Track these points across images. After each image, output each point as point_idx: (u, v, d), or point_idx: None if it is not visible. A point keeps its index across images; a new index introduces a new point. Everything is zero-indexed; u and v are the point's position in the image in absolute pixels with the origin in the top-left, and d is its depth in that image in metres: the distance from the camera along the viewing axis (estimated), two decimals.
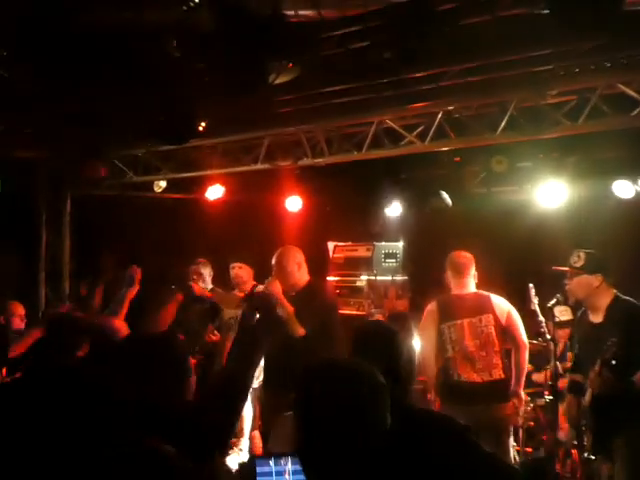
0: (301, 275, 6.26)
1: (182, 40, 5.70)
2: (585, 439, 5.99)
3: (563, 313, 7.03)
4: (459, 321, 5.90)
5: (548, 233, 8.22)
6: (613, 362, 4.88)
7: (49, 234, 9.42)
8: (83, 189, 9.39)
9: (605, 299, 5.22)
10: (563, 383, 6.19)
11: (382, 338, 3.23)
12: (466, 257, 6.12)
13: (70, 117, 7.23)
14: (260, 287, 7.41)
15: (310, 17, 5.40)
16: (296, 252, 6.31)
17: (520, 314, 7.96)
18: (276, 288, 5.95)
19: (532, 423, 7.45)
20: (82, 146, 8.32)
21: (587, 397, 5.26)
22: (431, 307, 6.04)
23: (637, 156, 7.18)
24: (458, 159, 8.55)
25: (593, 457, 5.63)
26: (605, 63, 5.51)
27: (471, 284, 6.06)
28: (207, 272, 8.08)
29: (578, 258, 5.27)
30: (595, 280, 5.20)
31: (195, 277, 8.01)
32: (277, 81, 5.52)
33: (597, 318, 5.25)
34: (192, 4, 5.12)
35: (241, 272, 7.43)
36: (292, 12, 5.39)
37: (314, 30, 5.39)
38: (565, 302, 6.45)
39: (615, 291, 5.25)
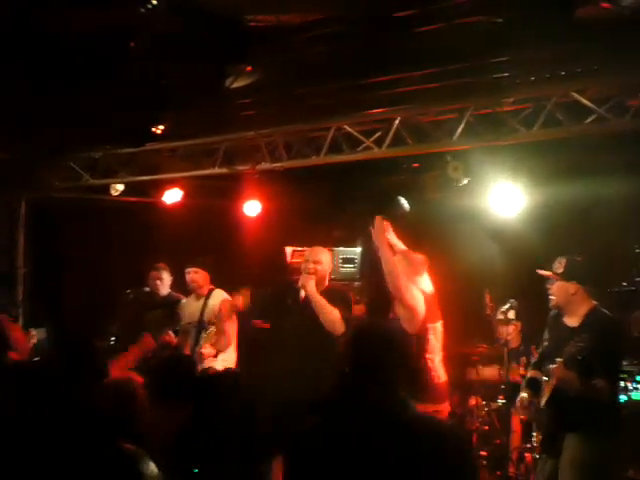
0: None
1: (141, 42, 5.68)
2: (534, 439, 6.06)
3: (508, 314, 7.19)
4: (435, 324, 5.91)
5: (504, 239, 8.32)
6: (579, 357, 4.99)
7: (3, 237, 9.29)
8: (38, 192, 9.27)
9: (583, 307, 5.32)
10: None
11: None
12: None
13: (25, 118, 7.14)
14: (218, 291, 7.41)
15: (270, 22, 5.41)
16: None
17: (476, 318, 8.07)
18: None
19: (487, 427, 7.53)
20: (37, 147, 8.21)
21: (543, 399, 5.34)
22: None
23: (591, 163, 7.30)
24: (417, 165, 8.61)
25: (537, 456, 5.72)
26: (560, 72, 5.60)
27: None
28: (166, 277, 8.04)
29: (559, 264, 5.38)
30: (571, 287, 5.31)
31: (158, 282, 7.98)
32: (235, 85, 5.53)
33: (573, 322, 5.34)
34: (150, 6, 5.10)
35: (197, 277, 7.39)
36: (252, 16, 5.40)
37: (274, 34, 5.40)
38: (518, 307, 6.56)
39: (595, 302, 5.35)
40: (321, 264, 6.38)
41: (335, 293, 6.38)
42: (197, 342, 7.13)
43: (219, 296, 7.34)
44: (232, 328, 7.25)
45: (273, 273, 8.81)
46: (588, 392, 4.96)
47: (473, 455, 2.60)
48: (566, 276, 5.33)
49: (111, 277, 10.06)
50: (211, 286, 7.48)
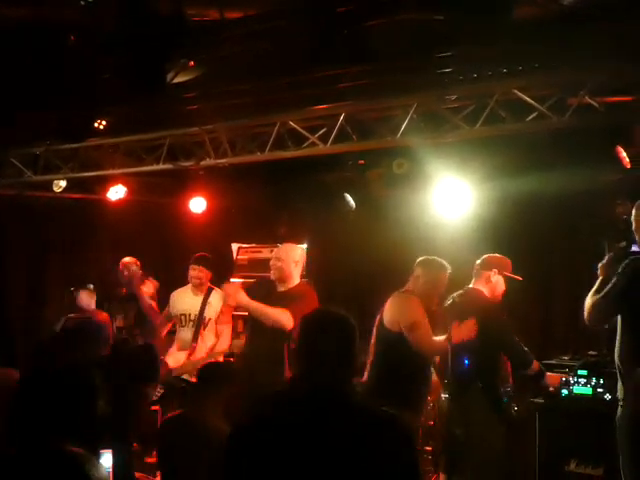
0: None
1: (82, 37, 5.59)
2: None
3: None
4: None
5: (450, 236, 8.37)
6: None
7: None
8: None
9: None
10: None
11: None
12: None
13: None
14: (218, 291, 7.38)
15: (212, 16, 5.36)
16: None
17: None
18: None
19: (432, 422, 7.55)
20: None
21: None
22: None
23: (533, 160, 7.38)
24: (362, 162, 8.62)
25: None
26: (502, 69, 5.64)
27: None
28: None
29: None
30: None
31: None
32: (177, 80, 5.46)
33: None
34: None
35: (201, 274, 7.58)
36: (194, 11, 5.35)
37: (216, 29, 5.35)
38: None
39: None
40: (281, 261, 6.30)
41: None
42: (195, 337, 7.29)
43: (219, 297, 7.34)
44: (229, 329, 7.41)
45: (219, 270, 8.76)
46: None
47: (416, 445, 2.55)
48: None
49: (54, 275, 9.91)
50: (209, 284, 7.52)
